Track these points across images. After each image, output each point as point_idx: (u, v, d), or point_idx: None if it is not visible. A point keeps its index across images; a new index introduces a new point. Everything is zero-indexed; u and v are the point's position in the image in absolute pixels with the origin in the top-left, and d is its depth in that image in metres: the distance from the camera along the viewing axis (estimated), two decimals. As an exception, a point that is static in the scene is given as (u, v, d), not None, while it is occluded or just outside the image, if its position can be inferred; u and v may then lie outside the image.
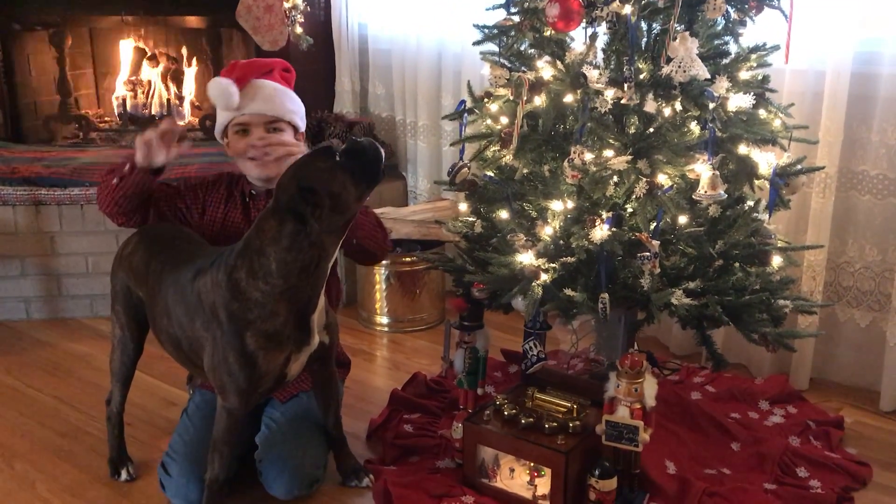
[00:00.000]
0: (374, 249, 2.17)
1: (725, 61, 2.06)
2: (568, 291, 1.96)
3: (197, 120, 3.90)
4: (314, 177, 1.75)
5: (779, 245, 2.13)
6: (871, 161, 2.53)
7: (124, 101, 3.90)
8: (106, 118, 4.00)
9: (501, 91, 2.11)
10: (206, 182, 2.25)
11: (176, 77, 3.96)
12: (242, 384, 1.84)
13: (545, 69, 2.01)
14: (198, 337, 1.89)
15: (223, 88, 2.10)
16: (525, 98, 1.97)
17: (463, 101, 2.29)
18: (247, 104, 2.11)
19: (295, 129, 2.17)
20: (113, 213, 2.13)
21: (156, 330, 2.05)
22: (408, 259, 3.20)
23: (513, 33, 2.15)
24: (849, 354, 2.70)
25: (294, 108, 2.17)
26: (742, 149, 2.03)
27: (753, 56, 2.06)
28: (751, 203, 2.15)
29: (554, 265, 1.98)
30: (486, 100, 2.20)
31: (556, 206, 2.02)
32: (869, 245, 2.58)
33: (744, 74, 2.03)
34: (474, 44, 2.22)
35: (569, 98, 1.98)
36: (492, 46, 2.22)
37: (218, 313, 1.83)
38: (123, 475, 2.20)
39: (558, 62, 2.01)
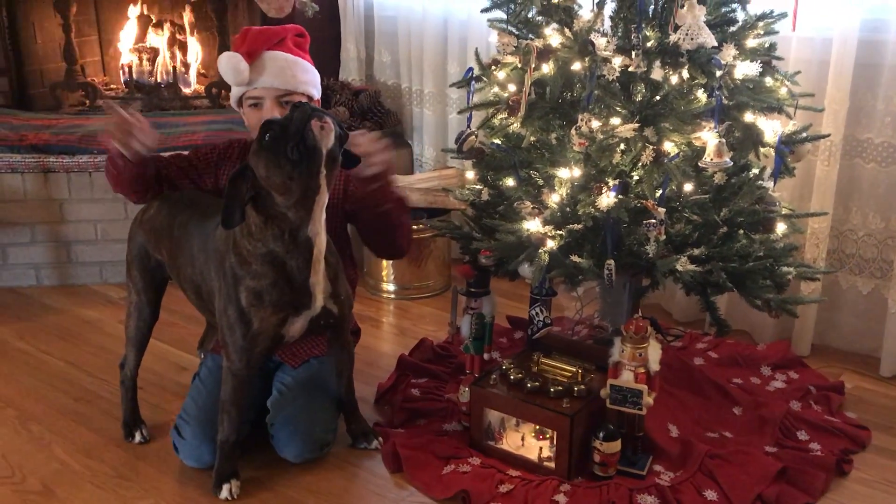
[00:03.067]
0: (389, 245, 2.23)
1: (732, 29, 2.07)
2: (574, 258, 1.99)
3: (203, 88, 3.90)
4: (250, 157, 1.78)
5: (783, 212, 2.15)
6: (876, 129, 2.54)
7: (130, 68, 3.90)
8: (112, 85, 4.00)
9: (509, 59, 2.12)
10: (217, 149, 2.27)
11: (181, 44, 3.95)
12: (239, 340, 1.89)
13: (553, 37, 2.02)
14: (212, 286, 1.94)
15: (233, 64, 2.10)
16: (533, 66, 1.98)
17: (471, 69, 2.30)
18: (257, 78, 2.11)
19: (309, 99, 2.17)
20: (126, 193, 2.19)
21: (180, 279, 2.09)
22: (414, 227, 3.22)
23: (520, 0, 2.15)
24: (850, 321, 2.73)
25: (307, 79, 2.16)
26: (748, 116, 2.04)
27: (761, 23, 2.06)
28: (756, 171, 2.17)
29: (560, 232, 2.00)
30: (493, 67, 2.20)
31: (563, 173, 2.03)
32: (872, 213, 2.60)
33: (751, 42, 2.04)
34: (483, 11, 2.22)
35: (576, 66, 1.98)
36: (499, 14, 2.22)
37: (224, 265, 1.88)
38: (137, 437, 2.24)
39: (566, 29, 2.01)
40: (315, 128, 1.70)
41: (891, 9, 2.44)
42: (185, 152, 2.31)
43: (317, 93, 2.22)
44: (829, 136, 2.42)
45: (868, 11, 2.46)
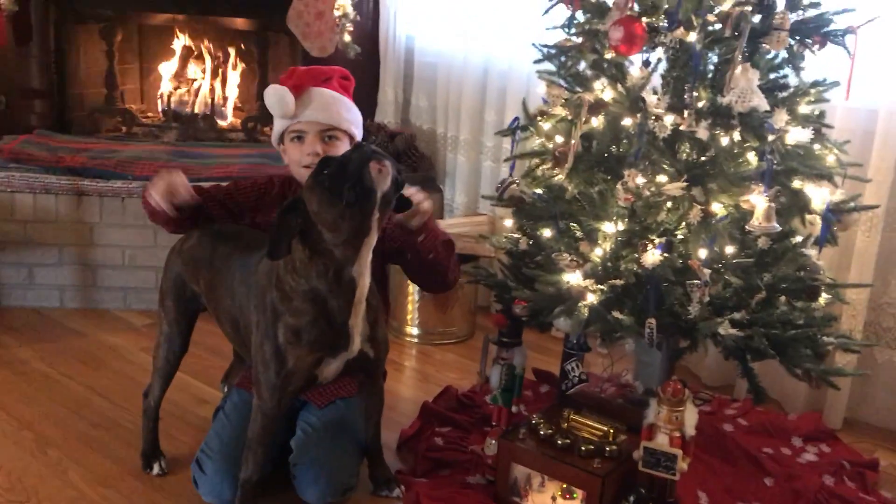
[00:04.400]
0: (440, 283, 2.22)
1: (784, 94, 2.06)
2: (616, 314, 1.96)
3: (239, 121, 3.93)
4: (304, 191, 1.77)
5: (827, 281, 2.11)
6: (918, 203, 2.52)
7: (169, 97, 3.94)
8: (149, 113, 4.04)
9: (558, 110, 2.12)
10: (257, 184, 2.27)
11: (221, 77, 3.99)
12: (272, 378, 1.85)
13: (605, 91, 2.02)
14: (250, 320, 1.91)
15: (280, 96, 2.11)
16: (583, 119, 1.98)
17: (517, 118, 2.30)
18: (302, 112, 2.11)
19: (351, 137, 2.18)
20: (163, 227, 2.20)
21: (218, 311, 2.07)
22: (442, 272, 3.20)
23: (572, 54, 2.16)
24: (885, 396, 2.67)
25: (350, 118, 2.17)
26: (796, 182, 2.02)
27: (813, 91, 2.05)
28: (800, 238, 2.14)
29: (602, 287, 1.97)
30: (539, 118, 2.20)
31: (607, 227, 2.01)
32: (913, 287, 2.57)
33: (803, 109, 2.03)
34: (535, 62, 2.23)
35: (627, 121, 1.98)
36: (549, 66, 2.23)
37: (265, 299, 1.85)
38: (156, 469, 2.20)
39: (619, 85, 2.01)
40: (374, 169, 1.68)
41: (938, 84, 2.44)
42: (225, 184, 2.31)
43: (359, 133, 2.22)
44: (877, 206, 2.40)
45: (915, 85, 2.46)
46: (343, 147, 2.12)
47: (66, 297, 3.34)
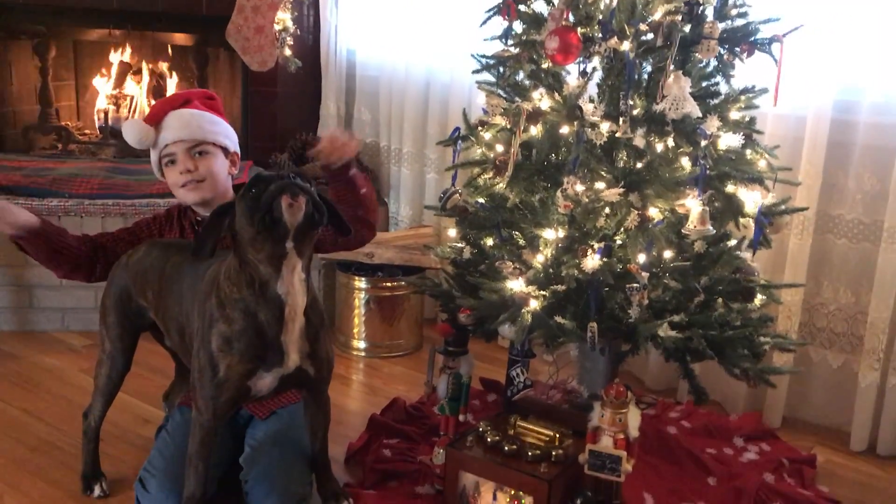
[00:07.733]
0: (370, 214, 2.11)
1: (715, 101, 2.13)
2: (558, 319, 1.98)
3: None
4: (236, 199, 1.77)
5: (761, 282, 2.17)
6: (847, 205, 2.60)
7: (106, 114, 3.87)
8: (86, 130, 3.96)
9: (497, 120, 2.15)
10: (159, 218, 2.27)
11: (159, 93, 3.93)
12: (207, 385, 1.83)
13: (543, 100, 2.05)
14: (193, 328, 1.89)
15: (135, 129, 2.12)
16: (522, 127, 2.00)
17: (457, 129, 2.32)
18: (164, 135, 2.13)
19: (225, 150, 2.19)
20: (52, 270, 2.16)
21: (166, 320, 2.04)
22: (388, 284, 3.20)
23: (510, 64, 2.19)
24: (821, 394, 2.75)
25: (216, 129, 2.17)
26: (729, 187, 2.08)
27: (743, 97, 2.12)
28: (735, 240, 2.20)
29: (544, 293, 2.00)
30: (480, 128, 2.23)
31: (548, 234, 2.04)
32: (843, 287, 2.65)
33: (733, 115, 2.09)
34: (474, 72, 2.25)
35: (564, 129, 2.02)
36: (488, 76, 2.26)
37: (205, 305, 1.84)
38: (97, 491, 2.15)
39: (556, 94, 2.05)
40: (284, 203, 1.67)
41: (861, 91, 2.53)
42: (131, 224, 2.29)
43: (232, 145, 2.23)
44: (807, 209, 2.48)
45: (840, 92, 2.55)
46: (216, 161, 2.15)
47: (0, 320, 3.23)
